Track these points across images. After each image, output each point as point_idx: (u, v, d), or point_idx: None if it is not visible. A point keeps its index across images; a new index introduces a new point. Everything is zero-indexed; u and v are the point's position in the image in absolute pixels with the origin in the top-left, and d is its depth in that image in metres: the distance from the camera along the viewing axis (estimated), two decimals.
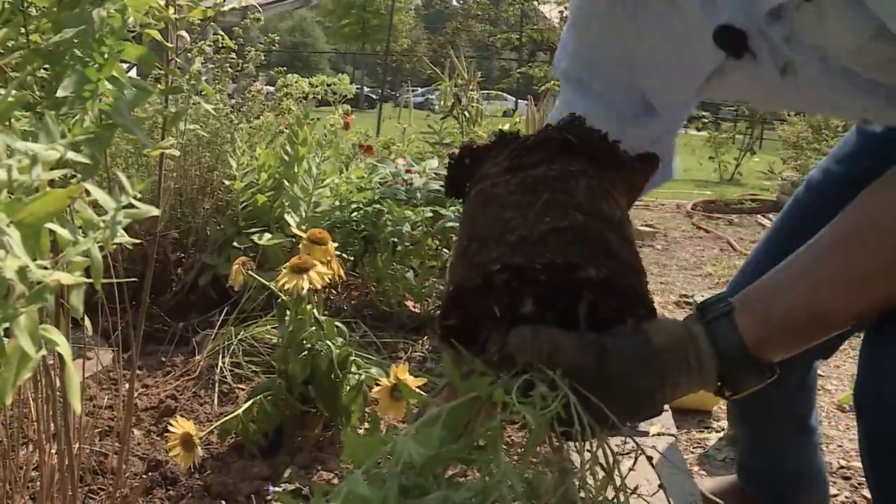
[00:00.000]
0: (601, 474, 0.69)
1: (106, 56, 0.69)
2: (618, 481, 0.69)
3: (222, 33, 1.39)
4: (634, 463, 0.75)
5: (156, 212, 0.78)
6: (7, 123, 0.72)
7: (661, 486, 0.75)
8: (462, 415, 0.69)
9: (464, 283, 0.77)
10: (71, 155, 0.65)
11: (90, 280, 0.72)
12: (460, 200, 0.91)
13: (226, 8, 1.26)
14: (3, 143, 0.60)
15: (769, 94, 0.99)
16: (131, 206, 0.73)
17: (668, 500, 0.76)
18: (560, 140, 0.82)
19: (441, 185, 2.64)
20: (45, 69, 0.78)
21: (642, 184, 0.91)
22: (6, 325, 0.60)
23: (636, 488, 0.70)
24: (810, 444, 1.50)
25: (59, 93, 0.66)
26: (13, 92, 0.74)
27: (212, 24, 1.23)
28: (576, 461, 0.69)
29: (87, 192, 0.70)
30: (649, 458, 0.75)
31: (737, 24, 0.86)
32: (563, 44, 1.17)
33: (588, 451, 0.68)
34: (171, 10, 1.00)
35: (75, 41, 0.67)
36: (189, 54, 2.23)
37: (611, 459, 0.70)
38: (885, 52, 0.77)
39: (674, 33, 0.95)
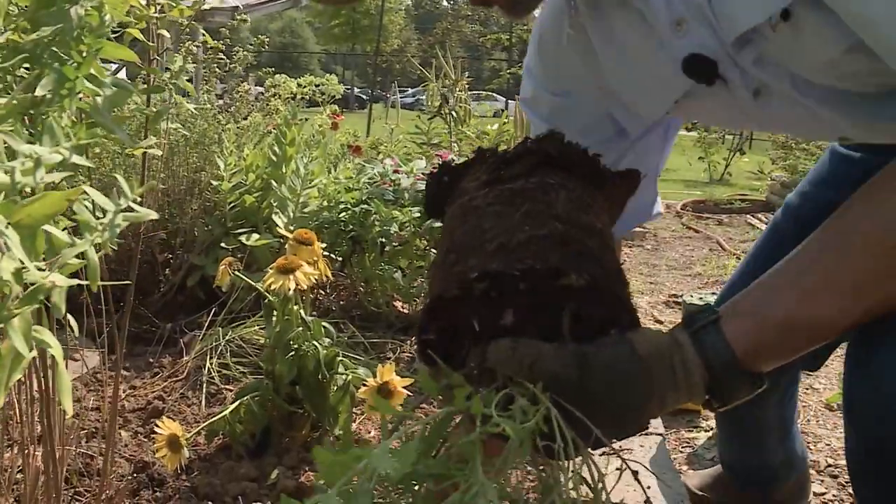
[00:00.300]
0: (586, 489, 0.67)
1: (84, 54, 0.69)
2: (603, 497, 0.67)
3: (205, 33, 1.38)
4: (622, 471, 0.73)
5: (154, 215, 0.78)
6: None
7: (647, 501, 0.73)
8: (440, 430, 0.68)
9: (442, 293, 0.75)
10: (76, 159, 0.65)
11: (85, 282, 0.71)
12: (440, 219, 0.89)
13: (206, 7, 1.25)
14: (2, 144, 0.59)
15: (744, 116, 0.97)
16: (130, 209, 0.73)
17: None
18: (539, 153, 0.81)
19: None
20: (25, 68, 0.77)
21: (624, 199, 0.89)
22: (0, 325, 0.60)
23: (621, 502, 0.69)
24: (792, 437, 1.52)
25: (38, 91, 0.66)
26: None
27: (193, 23, 1.22)
28: (561, 478, 0.67)
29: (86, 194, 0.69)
30: (634, 473, 0.73)
31: (706, 52, 0.86)
32: (528, 69, 1.14)
33: (571, 467, 0.67)
34: (153, 10, 0.99)
35: (53, 39, 0.66)
36: (177, 54, 2.23)
37: (596, 475, 0.68)
38: (862, 63, 0.77)
39: (643, 55, 0.94)
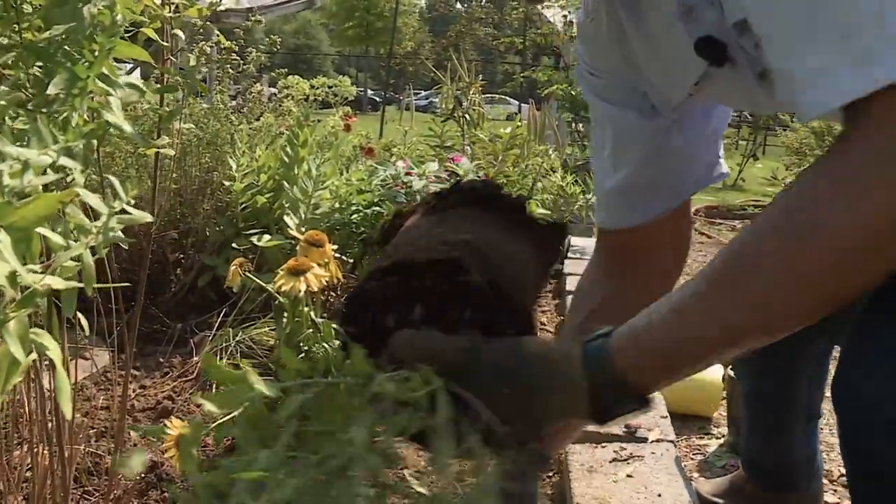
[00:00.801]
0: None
1: (96, 53, 0.69)
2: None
3: (219, 34, 1.38)
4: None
5: (149, 218, 0.77)
6: None
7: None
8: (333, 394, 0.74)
9: (358, 288, 0.83)
10: (64, 161, 0.64)
11: (81, 285, 0.71)
12: None
13: (222, 8, 1.25)
14: None
15: (753, 98, 1.01)
16: (124, 211, 0.72)
17: None
18: (470, 193, 0.90)
19: (441, 188, 2.63)
20: (38, 67, 0.77)
21: (556, 244, 0.96)
22: None
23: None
24: (815, 431, 1.52)
25: (50, 90, 0.66)
26: (6, 94, 0.73)
27: (208, 23, 1.22)
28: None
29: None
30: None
31: (716, 34, 0.88)
32: (579, 53, 1.23)
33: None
34: (167, 10, 0.99)
35: (65, 38, 0.66)
36: (190, 54, 2.23)
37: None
38: None
39: (666, 41, 0.98)
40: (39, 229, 0.61)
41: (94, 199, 0.64)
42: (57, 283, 0.59)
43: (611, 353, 0.78)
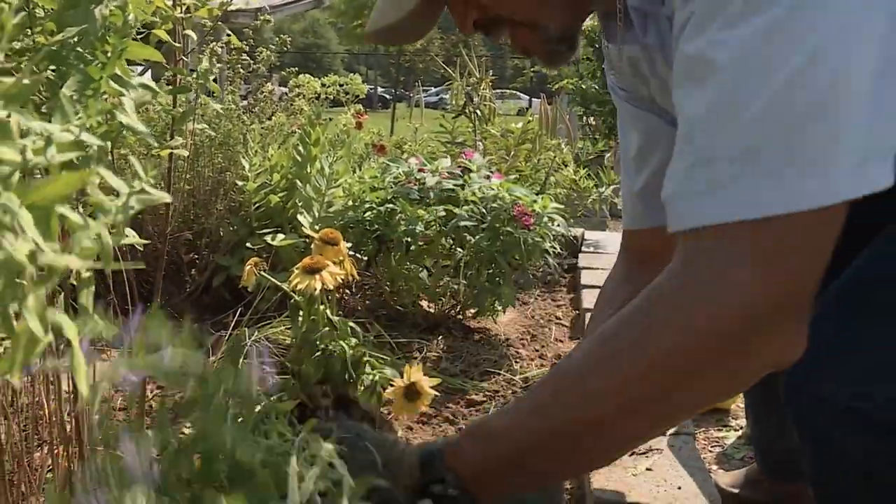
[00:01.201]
0: None
1: (109, 54, 0.69)
2: None
3: (230, 33, 1.38)
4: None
5: (168, 198, 0.77)
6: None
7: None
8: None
9: None
10: (85, 136, 0.64)
11: (99, 265, 0.71)
12: None
13: (233, 8, 1.25)
14: (16, 124, 0.59)
15: None
16: (143, 191, 0.72)
17: None
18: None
19: (455, 184, 2.63)
20: (51, 70, 0.77)
21: None
22: (15, 306, 0.59)
23: None
24: None
25: (64, 92, 0.66)
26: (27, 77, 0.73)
27: (219, 23, 1.22)
28: None
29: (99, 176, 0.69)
30: None
31: None
32: (607, 69, 1.28)
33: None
34: (178, 10, 0.99)
35: (78, 40, 0.66)
36: (201, 55, 2.23)
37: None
38: None
39: (670, 82, 1.02)
40: (59, 208, 0.61)
41: (114, 179, 0.64)
42: (76, 262, 0.59)
43: (445, 443, 0.85)
